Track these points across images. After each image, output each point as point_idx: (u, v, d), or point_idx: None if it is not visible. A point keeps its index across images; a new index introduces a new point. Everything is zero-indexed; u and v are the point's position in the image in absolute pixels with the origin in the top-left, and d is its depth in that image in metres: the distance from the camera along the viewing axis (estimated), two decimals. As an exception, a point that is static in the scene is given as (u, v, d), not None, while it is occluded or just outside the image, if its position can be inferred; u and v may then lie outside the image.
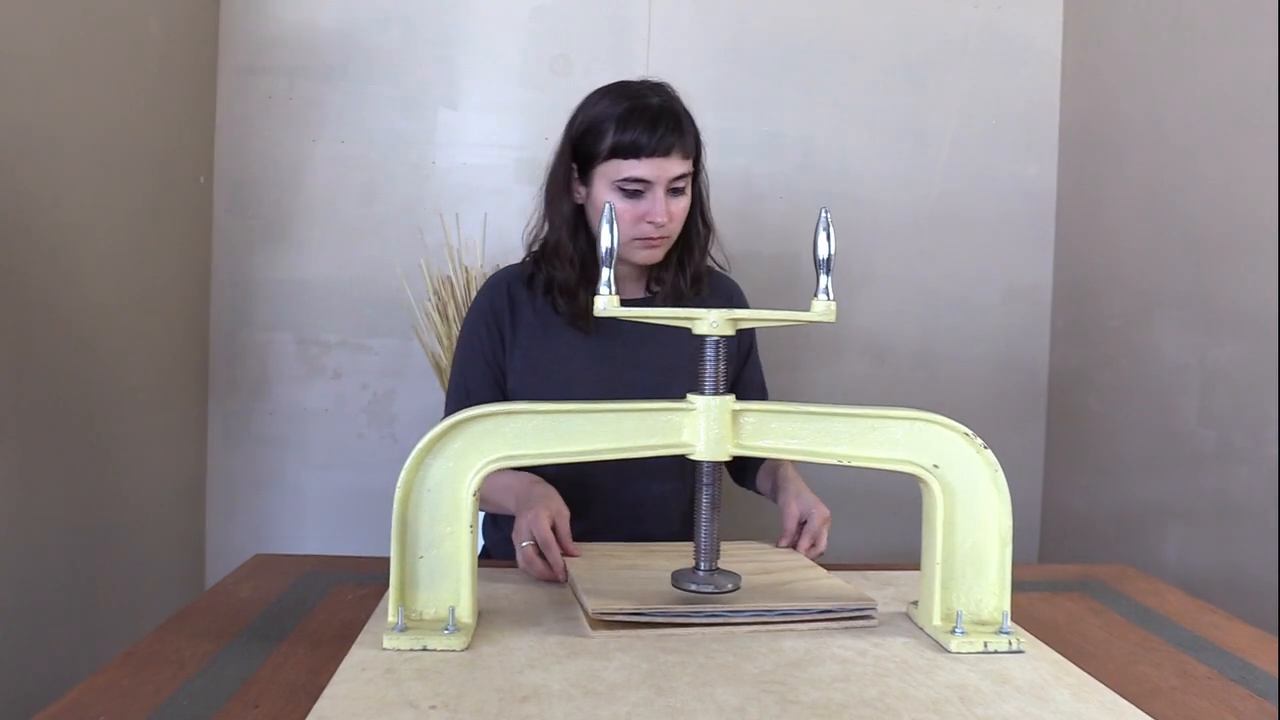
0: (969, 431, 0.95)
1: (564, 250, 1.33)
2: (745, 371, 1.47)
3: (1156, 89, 1.96)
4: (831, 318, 0.93)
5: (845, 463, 0.96)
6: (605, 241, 0.93)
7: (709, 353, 0.94)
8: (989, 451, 0.95)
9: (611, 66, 2.23)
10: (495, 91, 2.23)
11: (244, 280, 2.20)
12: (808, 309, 0.94)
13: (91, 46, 1.66)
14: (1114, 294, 2.08)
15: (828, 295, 0.93)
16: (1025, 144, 2.33)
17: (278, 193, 2.20)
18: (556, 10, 2.23)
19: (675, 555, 1.13)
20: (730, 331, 0.95)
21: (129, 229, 1.81)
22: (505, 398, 1.34)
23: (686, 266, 1.36)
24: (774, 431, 0.96)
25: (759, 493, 1.42)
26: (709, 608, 0.95)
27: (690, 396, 0.94)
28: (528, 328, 1.35)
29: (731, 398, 0.95)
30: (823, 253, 0.93)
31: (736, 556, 1.13)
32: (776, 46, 2.26)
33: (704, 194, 1.37)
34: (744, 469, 1.45)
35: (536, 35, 2.23)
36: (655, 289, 1.37)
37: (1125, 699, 0.81)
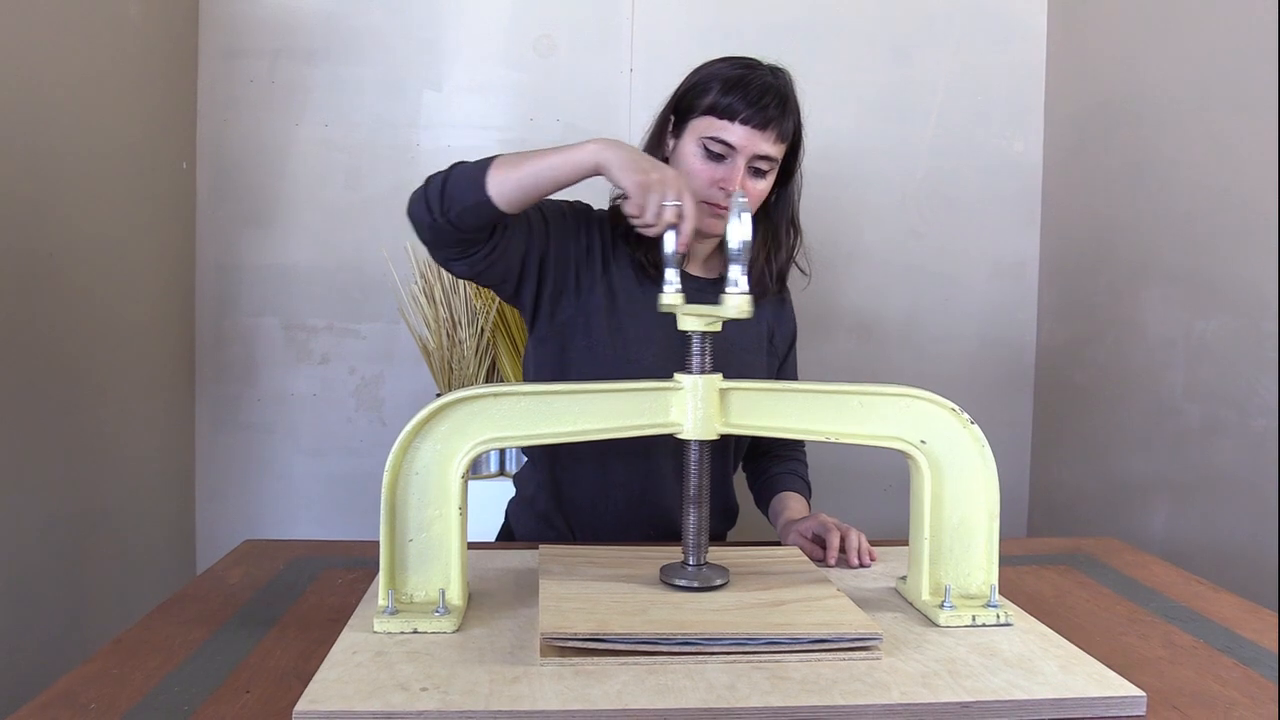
0: (956, 407, 0.96)
1: None
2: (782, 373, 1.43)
3: (1142, 64, 1.96)
4: (748, 313, 0.93)
5: (833, 440, 0.96)
6: (669, 245, 0.99)
7: (695, 342, 0.94)
8: (976, 427, 0.96)
9: (596, 46, 2.22)
10: (479, 72, 2.21)
11: (229, 266, 2.19)
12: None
13: (71, 31, 1.64)
14: (1101, 270, 2.08)
15: (737, 286, 0.93)
16: (1011, 120, 2.33)
17: (261, 177, 2.18)
18: (540, -11, 2.21)
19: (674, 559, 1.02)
20: (718, 326, 0.94)
21: (111, 216, 1.80)
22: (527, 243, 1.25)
23: (772, 263, 1.33)
24: (762, 410, 0.96)
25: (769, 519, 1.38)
26: (682, 633, 0.83)
27: (677, 375, 0.94)
28: (607, 275, 1.29)
29: (719, 376, 0.94)
30: (734, 242, 0.93)
31: (736, 566, 1.02)
32: (761, 24, 2.25)
33: (796, 198, 1.34)
34: (761, 491, 1.41)
35: (520, 15, 2.21)
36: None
37: (1112, 670, 0.82)
